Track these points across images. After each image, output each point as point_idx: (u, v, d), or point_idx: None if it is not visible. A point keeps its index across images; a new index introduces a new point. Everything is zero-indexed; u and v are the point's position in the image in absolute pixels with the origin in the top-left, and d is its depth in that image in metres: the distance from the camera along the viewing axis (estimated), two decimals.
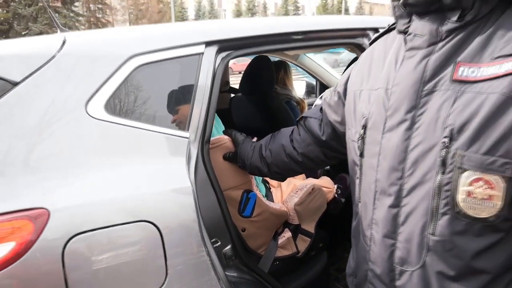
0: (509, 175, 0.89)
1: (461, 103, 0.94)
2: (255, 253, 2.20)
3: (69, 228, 1.23)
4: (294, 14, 61.55)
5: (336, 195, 2.75)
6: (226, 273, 1.54)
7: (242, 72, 3.44)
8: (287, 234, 2.42)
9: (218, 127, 2.22)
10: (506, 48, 0.91)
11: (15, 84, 1.34)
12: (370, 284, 1.18)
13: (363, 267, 1.21)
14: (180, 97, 1.59)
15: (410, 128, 1.03)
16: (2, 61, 1.38)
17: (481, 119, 0.90)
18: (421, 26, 1.04)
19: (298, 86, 5.00)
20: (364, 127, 1.18)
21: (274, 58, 4.11)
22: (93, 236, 1.25)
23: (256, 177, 2.30)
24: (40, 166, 1.29)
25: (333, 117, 1.49)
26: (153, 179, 1.41)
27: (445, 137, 0.95)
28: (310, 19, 2.24)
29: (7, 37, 40.37)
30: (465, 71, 0.95)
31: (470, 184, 0.93)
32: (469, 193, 0.93)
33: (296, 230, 2.46)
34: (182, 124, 1.55)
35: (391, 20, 1.20)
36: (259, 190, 2.27)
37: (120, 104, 1.45)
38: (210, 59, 1.65)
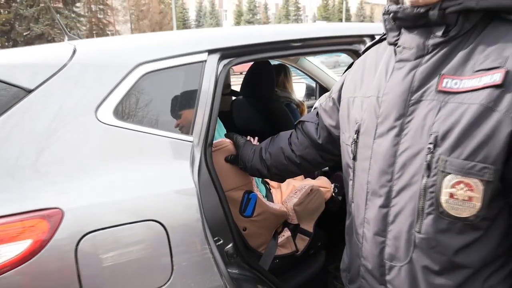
0: (487, 178, 0.97)
1: (444, 112, 1.02)
2: (255, 252, 2.27)
3: (81, 227, 1.30)
4: (295, 15, 61.44)
5: (333, 194, 2.83)
6: (228, 270, 1.60)
7: (243, 73, 3.49)
8: (287, 233, 2.49)
9: (220, 130, 2.30)
10: (485, 63, 0.99)
11: (29, 91, 1.41)
12: (363, 279, 1.27)
13: (356, 263, 1.29)
14: (184, 103, 1.66)
15: (398, 135, 1.11)
16: (16, 69, 1.45)
17: (462, 127, 0.98)
18: (409, 40, 1.12)
19: (298, 89, 5.07)
20: (357, 132, 1.26)
21: (274, 61, 4.18)
22: (104, 234, 1.33)
23: (257, 178, 2.37)
24: (53, 168, 1.36)
25: (328, 121, 1.57)
26: (159, 180, 1.48)
27: (430, 143, 1.03)
28: (308, 27, 2.31)
29: (8, 37, 40.35)
30: (448, 83, 1.03)
31: (452, 186, 1.00)
32: (451, 195, 1.01)
33: (295, 230, 2.53)
34: (186, 128, 1.62)
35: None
36: (259, 191, 2.34)
37: (128, 110, 1.52)
38: (212, 66, 1.72)
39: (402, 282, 1.13)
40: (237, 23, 62.29)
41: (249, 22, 58.97)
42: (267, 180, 2.72)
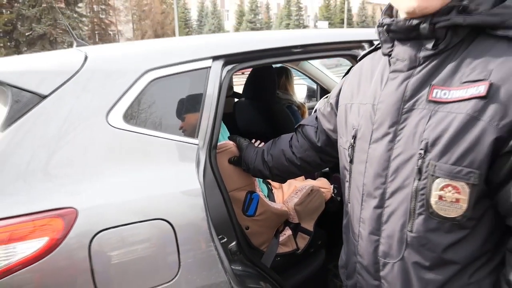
0: (473, 182, 1.05)
1: (434, 120, 1.10)
2: (258, 250, 2.33)
3: (95, 225, 1.39)
4: (297, 15, 61.36)
5: (333, 195, 2.90)
6: (232, 266, 1.68)
7: (245, 72, 3.54)
8: (288, 232, 2.57)
9: (223, 133, 2.37)
10: (472, 75, 1.07)
11: (44, 97, 1.48)
12: (358, 275, 1.34)
13: (352, 260, 1.37)
14: (190, 107, 1.73)
15: (392, 140, 1.19)
16: (32, 75, 1.52)
17: (450, 134, 1.06)
18: (402, 52, 1.20)
19: (299, 90, 5.13)
20: (354, 137, 1.33)
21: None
22: (115, 232, 1.41)
23: (259, 179, 2.45)
24: (67, 170, 1.44)
25: (326, 125, 1.65)
26: (167, 181, 1.56)
27: (421, 149, 1.11)
28: (308, 33, 2.38)
29: (10, 38, 40.37)
30: (438, 93, 1.11)
31: (441, 189, 1.08)
32: (440, 197, 1.09)
33: (296, 229, 2.60)
34: (192, 131, 1.70)
35: None
36: (261, 191, 2.41)
37: (137, 114, 1.60)
38: (217, 72, 1.79)
39: (395, 278, 1.21)
40: (239, 23, 62.24)
41: (251, 22, 58.94)
42: (269, 180, 2.79)
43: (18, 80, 1.49)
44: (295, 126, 1.90)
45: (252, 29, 58.41)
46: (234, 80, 4.62)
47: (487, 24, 1.09)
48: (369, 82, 1.35)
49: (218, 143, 1.99)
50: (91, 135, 1.50)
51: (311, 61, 4.37)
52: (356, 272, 1.36)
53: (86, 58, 1.61)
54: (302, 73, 4.61)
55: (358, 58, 1.58)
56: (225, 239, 1.72)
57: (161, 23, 51.11)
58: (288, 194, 2.74)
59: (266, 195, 2.58)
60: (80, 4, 44.11)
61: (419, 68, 1.16)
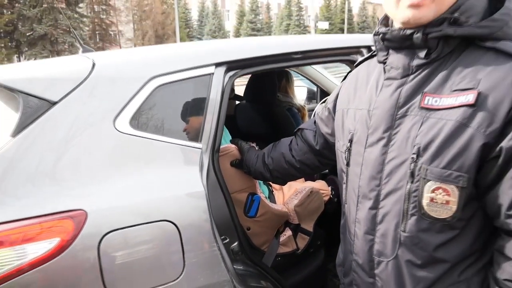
0: (462, 185, 1.11)
1: (426, 126, 1.16)
2: (259, 250, 2.39)
3: (103, 226, 1.45)
4: (297, 15, 61.34)
5: (331, 196, 2.97)
6: (234, 266, 1.74)
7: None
8: (288, 232, 2.62)
9: (225, 136, 2.43)
10: (461, 84, 1.13)
11: (54, 103, 1.54)
12: (354, 273, 1.41)
13: (349, 258, 1.44)
14: (194, 113, 1.79)
15: (386, 145, 1.25)
16: (42, 82, 1.58)
17: (441, 140, 1.12)
18: (396, 60, 1.27)
19: (300, 92, 5.18)
20: (350, 141, 1.40)
21: None
22: (123, 233, 1.47)
23: (260, 181, 2.51)
24: (77, 173, 1.50)
25: (324, 129, 1.72)
26: (172, 184, 1.63)
27: (414, 153, 1.17)
28: (308, 39, 2.45)
29: (11, 38, 40.40)
30: (430, 100, 1.17)
31: (432, 191, 1.14)
32: (431, 199, 1.15)
33: (296, 229, 2.66)
34: (195, 136, 1.76)
35: None
36: (262, 192, 2.48)
37: (143, 120, 1.65)
38: (219, 78, 1.85)
39: (389, 275, 1.27)
40: (240, 23, 62.25)
41: (251, 22, 58.99)
42: (270, 182, 2.85)
43: (29, 87, 1.54)
44: (295, 130, 1.96)
45: (253, 29, 58.51)
46: (235, 82, 4.66)
47: (476, 36, 1.16)
48: (365, 88, 1.41)
49: (221, 147, 2.05)
50: (99, 140, 1.56)
51: None
52: (352, 270, 1.42)
53: (93, 65, 1.67)
54: (302, 75, 4.66)
55: (354, 65, 1.64)
56: (228, 240, 1.78)
57: (161, 23, 51.06)
58: (288, 195, 2.80)
59: (267, 197, 2.64)
60: (81, 5, 44.12)
61: (412, 76, 1.23)
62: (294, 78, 4.32)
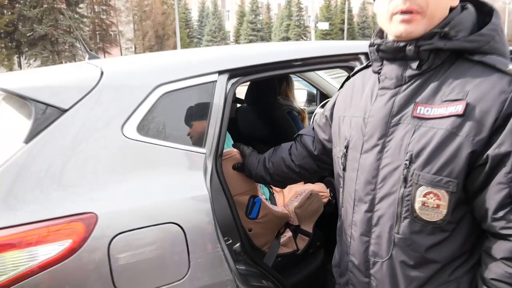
0: (451, 190, 1.19)
1: (418, 134, 1.24)
2: (260, 250, 2.45)
3: (113, 228, 1.52)
4: (297, 15, 61.29)
5: (330, 198, 3.04)
6: (236, 266, 1.80)
7: None
8: (288, 233, 2.69)
9: (227, 141, 2.49)
10: (451, 95, 1.21)
11: (64, 111, 1.61)
12: (350, 273, 1.48)
13: (345, 259, 1.51)
14: (198, 119, 1.86)
15: (381, 151, 1.33)
16: (53, 90, 1.64)
17: (432, 148, 1.20)
18: (390, 70, 1.34)
19: (299, 95, 5.23)
20: (346, 147, 1.47)
21: None
22: (131, 235, 1.54)
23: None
24: (87, 178, 1.57)
25: (322, 135, 1.79)
26: (178, 188, 1.70)
27: (407, 160, 1.24)
28: (308, 46, 2.51)
29: (12, 38, 40.40)
30: (422, 110, 1.25)
31: (424, 196, 1.22)
32: (423, 203, 1.23)
33: (296, 230, 2.73)
34: (199, 141, 1.82)
35: None
36: (263, 194, 2.55)
37: (149, 126, 1.72)
38: (222, 85, 1.91)
39: (384, 275, 1.35)
40: (240, 23, 62.21)
41: (251, 22, 58.94)
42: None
43: (41, 95, 1.60)
44: (294, 136, 2.03)
45: (253, 29, 58.47)
46: None
47: (465, 49, 1.24)
48: (360, 97, 1.49)
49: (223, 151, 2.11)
50: (108, 146, 1.63)
51: None
52: (348, 270, 1.49)
53: (102, 73, 1.73)
54: (302, 78, 4.72)
55: (351, 74, 1.71)
56: (230, 241, 1.84)
57: (162, 23, 51.03)
58: (289, 197, 2.87)
59: (268, 199, 2.71)
60: (81, 5, 44.10)
61: (405, 86, 1.30)
62: (294, 81, 4.36)
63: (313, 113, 4.84)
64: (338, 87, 4.37)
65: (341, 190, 1.54)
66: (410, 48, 1.26)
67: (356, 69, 1.68)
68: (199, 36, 62.07)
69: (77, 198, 1.53)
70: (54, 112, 1.61)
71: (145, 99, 1.73)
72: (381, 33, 1.43)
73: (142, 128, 1.70)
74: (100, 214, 1.52)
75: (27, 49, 41.49)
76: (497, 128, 1.14)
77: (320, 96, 5.18)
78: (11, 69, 41.52)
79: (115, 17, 50.17)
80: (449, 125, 1.19)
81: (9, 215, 1.45)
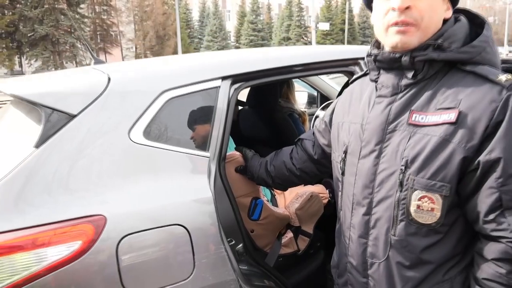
0: (445, 194, 1.25)
1: (413, 140, 1.30)
2: (262, 251, 2.51)
3: (121, 230, 1.58)
4: (298, 15, 61.31)
5: (329, 199, 3.10)
6: (239, 266, 1.86)
7: None
8: (289, 234, 2.75)
9: (230, 144, 2.55)
10: (445, 103, 1.27)
11: (73, 116, 1.66)
12: (349, 273, 1.54)
13: (344, 260, 1.57)
14: (202, 123, 1.92)
15: (378, 157, 1.39)
16: (62, 96, 1.70)
17: (426, 154, 1.26)
18: (386, 79, 1.40)
19: (300, 96, 5.28)
20: (345, 152, 1.53)
21: None
22: (138, 236, 1.60)
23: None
24: (96, 181, 1.63)
25: (321, 140, 1.86)
26: (183, 191, 1.76)
27: (402, 165, 1.31)
28: (309, 51, 2.57)
29: (13, 39, 40.45)
30: (417, 117, 1.31)
31: (419, 199, 1.28)
32: (418, 206, 1.29)
33: (297, 231, 2.79)
34: (203, 145, 1.88)
35: None
36: (265, 196, 2.60)
37: (155, 131, 1.78)
38: (225, 91, 1.97)
39: (381, 276, 1.41)
40: (240, 23, 62.24)
41: (252, 22, 58.96)
42: None
43: (50, 101, 1.66)
44: (295, 140, 2.09)
45: (254, 29, 58.47)
46: None
47: (458, 60, 1.30)
48: (358, 104, 1.55)
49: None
50: (116, 150, 1.69)
51: None
52: (347, 271, 1.55)
53: (109, 79, 1.79)
54: (303, 80, 4.77)
55: (349, 81, 1.77)
56: (233, 242, 1.90)
57: (162, 24, 51.03)
58: (290, 199, 2.93)
59: (269, 200, 2.77)
60: (82, 5, 44.14)
61: (400, 95, 1.36)
62: (295, 83, 4.40)
63: (313, 115, 4.88)
64: (338, 88, 4.45)
65: (339, 193, 1.60)
66: (405, 58, 1.32)
67: (354, 76, 1.75)
68: (199, 36, 62.15)
69: (86, 201, 1.59)
70: (63, 117, 1.66)
71: (151, 104, 1.79)
72: (377, 44, 1.49)
73: (148, 132, 1.76)
74: (108, 216, 1.57)
75: (28, 49, 41.54)
76: (488, 135, 1.20)
77: (320, 98, 5.22)
78: (12, 69, 41.61)
79: (116, 18, 50.19)
80: (442, 132, 1.25)
81: (20, 217, 1.51)
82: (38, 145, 1.61)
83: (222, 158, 1.94)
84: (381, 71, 1.44)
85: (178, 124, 1.87)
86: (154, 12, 50.70)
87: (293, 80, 4.43)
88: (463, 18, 1.38)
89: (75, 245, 1.51)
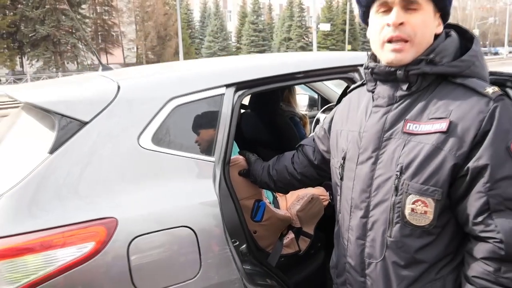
0: (437, 198, 1.34)
1: (407, 148, 1.39)
2: (264, 251, 2.58)
3: (132, 232, 1.66)
4: (299, 16, 61.35)
5: (330, 200, 3.18)
6: (243, 266, 1.94)
7: None
8: (291, 235, 2.83)
9: (234, 148, 2.63)
10: (436, 113, 1.36)
11: (85, 123, 1.74)
12: (348, 273, 1.63)
13: (342, 261, 1.66)
14: (207, 129, 2.00)
15: (375, 163, 1.47)
16: (74, 104, 1.78)
17: (419, 160, 1.35)
18: (382, 91, 1.49)
19: (301, 99, 5.35)
20: (344, 158, 1.62)
21: None
22: (148, 237, 1.69)
23: None
24: (107, 186, 1.72)
25: (321, 147, 1.94)
26: (189, 194, 1.84)
27: (397, 171, 1.39)
28: (309, 58, 2.65)
29: (14, 39, 40.54)
30: (411, 126, 1.40)
31: (413, 203, 1.37)
32: (412, 209, 1.37)
33: (298, 232, 2.86)
34: (208, 150, 1.96)
35: None
36: (267, 198, 2.67)
37: (163, 137, 1.86)
38: (229, 98, 2.05)
39: (378, 275, 1.49)
40: (241, 24, 62.29)
41: (253, 23, 59.00)
42: None
43: (63, 109, 1.74)
44: (296, 146, 2.18)
45: (255, 30, 58.49)
46: None
47: (448, 73, 1.39)
48: (356, 112, 1.63)
49: None
50: (126, 156, 1.77)
51: None
52: (346, 271, 1.64)
53: (119, 87, 1.88)
54: (304, 84, 4.83)
55: (348, 91, 1.86)
56: (237, 242, 1.97)
57: (164, 24, 51.13)
58: (291, 201, 3.01)
59: (271, 202, 2.85)
60: (83, 6, 44.20)
61: (396, 105, 1.45)
62: (296, 86, 4.45)
63: (314, 117, 4.96)
64: (338, 91, 4.51)
65: (338, 197, 1.68)
66: (400, 72, 1.41)
67: (352, 86, 1.83)
68: (201, 37, 62.22)
69: (98, 204, 1.67)
70: (75, 124, 1.74)
71: (159, 111, 1.87)
72: (374, 57, 1.57)
73: (157, 138, 1.84)
74: (120, 219, 1.66)
75: (29, 49, 41.64)
76: (476, 144, 1.29)
77: (321, 101, 5.30)
78: (13, 70, 41.66)
79: (117, 18, 50.27)
80: (434, 141, 1.34)
81: (34, 221, 1.59)
82: (52, 151, 1.68)
83: (226, 162, 2.02)
84: (378, 83, 1.53)
85: (185, 130, 1.95)
86: (155, 13, 50.77)
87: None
88: (453, 34, 1.47)
89: (88, 246, 1.60)
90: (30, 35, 39.79)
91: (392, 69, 1.43)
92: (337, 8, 65.38)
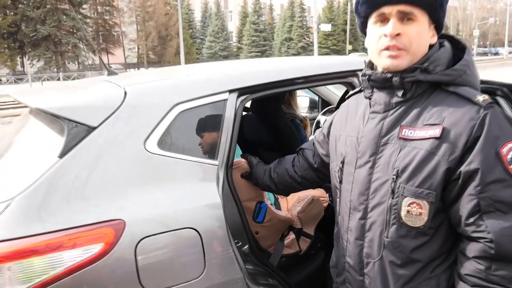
0: (431, 200, 1.41)
1: (403, 153, 1.45)
2: (266, 251, 2.65)
3: (139, 233, 1.73)
4: (300, 16, 61.37)
5: (330, 202, 3.24)
6: (245, 266, 1.99)
7: None
8: (292, 236, 2.89)
9: (236, 151, 2.69)
10: (430, 120, 1.43)
11: (94, 128, 1.80)
12: (347, 272, 1.69)
13: (342, 261, 1.72)
14: (211, 134, 2.06)
15: (372, 167, 1.54)
16: (83, 110, 1.84)
17: (414, 165, 1.42)
18: (379, 97, 1.56)
19: (302, 101, 5.40)
20: (342, 162, 1.68)
21: None
22: (154, 238, 1.75)
23: None
24: (115, 189, 1.78)
25: (320, 151, 2.01)
26: (194, 196, 1.90)
27: (394, 175, 1.46)
28: (310, 63, 2.71)
29: (15, 39, 40.57)
30: (406, 132, 1.47)
31: (409, 205, 1.44)
32: (408, 211, 1.44)
33: (299, 233, 2.93)
34: (212, 154, 2.02)
35: None
36: (269, 200, 2.73)
37: (168, 141, 1.92)
38: (232, 103, 2.11)
39: (376, 274, 1.56)
40: (242, 24, 62.31)
41: (254, 23, 59.04)
42: None
43: (72, 114, 1.80)
44: (297, 149, 2.25)
45: (255, 30, 58.51)
46: None
47: (442, 82, 1.46)
48: (354, 118, 1.70)
49: None
50: (133, 160, 1.83)
51: None
52: (345, 270, 1.70)
53: (125, 93, 1.94)
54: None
55: (346, 97, 1.93)
56: (240, 243, 2.03)
57: (165, 24, 51.14)
58: (292, 203, 3.08)
59: (273, 204, 2.91)
60: (84, 6, 44.23)
61: (392, 111, 1.52)
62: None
63: (315, 119, 5.01)
64: (338, 93, 4.55)
65: (338, 200, 1.75)
66: (396, 79, 1.48)
67: (350, 92, 1.91)
68: (202, 37, 62.26)
69: (106, 207, 1.73)
70: (84, 129, 1.80)
71: (164, 116, 1.93)
72: (371, 65, 1.64)
73: (162, 143, 1.90)
74: (127, 221, 1.72)
75: (30, 49, 41.67)
76: (468, 149, 1.36)
77: (321, 103, 5.36)
78: (14, 70, 41.70)
79: (118, 18, 50.28)
80: (428, 146, 1.41)
81: (45, 223, 1.65)
82: (62, 155, 1.74)
83: (229, 166, 2.08)
84: (375, 90, 1.59)
85: (189, 135, 2.01)
86: (156, 13, 50.78)
87: None
88: (447, 44, 1.54)
89: (97, 247, 1.66)
90: (31, 35, 39.81)
91: (389, 75, 1.49)
92: (338, 9, 65.38)
